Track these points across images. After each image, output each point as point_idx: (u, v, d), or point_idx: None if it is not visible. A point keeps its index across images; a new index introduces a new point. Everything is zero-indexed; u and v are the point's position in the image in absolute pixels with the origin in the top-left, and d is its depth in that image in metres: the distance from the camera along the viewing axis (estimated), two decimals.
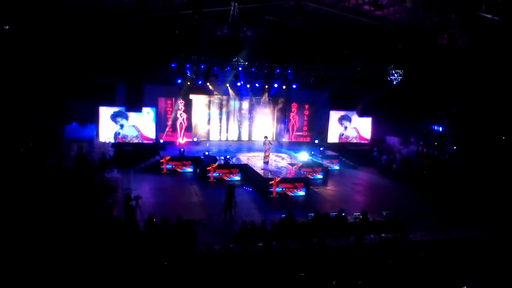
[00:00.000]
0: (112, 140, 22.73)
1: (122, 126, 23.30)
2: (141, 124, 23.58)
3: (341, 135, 27.77)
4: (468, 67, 23.36)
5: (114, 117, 23.16)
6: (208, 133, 27.16)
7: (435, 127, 25.27)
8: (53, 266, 9.36)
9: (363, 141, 27.97)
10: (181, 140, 25.26)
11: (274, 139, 27.48)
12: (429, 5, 18.32)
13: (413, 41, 23.09)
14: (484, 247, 12.97)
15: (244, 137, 27.98)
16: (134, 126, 23.48)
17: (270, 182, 18.94)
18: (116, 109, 23.07)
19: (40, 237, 10.22)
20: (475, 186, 18.39)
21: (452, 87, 25.13)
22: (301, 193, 19.31)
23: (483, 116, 23.36)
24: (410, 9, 18.93)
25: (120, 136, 23.34)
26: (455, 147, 22.72)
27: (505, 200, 16.59)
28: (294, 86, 25.07)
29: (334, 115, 27.43)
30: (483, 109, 23.72)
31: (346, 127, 27.78)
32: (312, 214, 14.03)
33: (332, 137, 27.48)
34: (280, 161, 22.69)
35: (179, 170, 22.13)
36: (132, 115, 23.31)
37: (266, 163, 21.57)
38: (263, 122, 28.03)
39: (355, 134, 27.84)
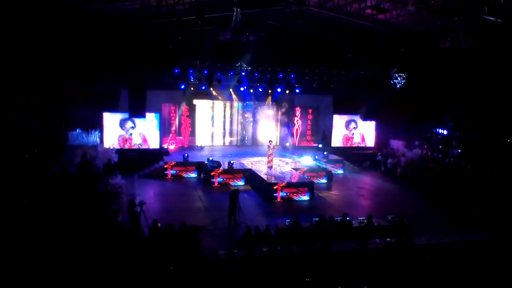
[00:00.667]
0: (117, 146, 22.78)
1: (132, 128, 23.34)
2: (145, 130, 23.63)
3: (346, 136, 27.56)
4: (471, 70, 23.30)
5: (122, 122, 23.26)
6: (212, 138, 27.18)
7: (439, 130, 25.14)
8: (58, 272, 9.36)
9: (366, 145, 27.87)
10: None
11: (277, 143, 27.46)
12: (432, 9, 18.32)
13: (416, 44, 23.08)
14: (490, 251, 12.88)
15: (248, 142, 27.97)
16: (139, 132, 23.54)
17: (275, 187, 18.91)
18: (120, 115, 23.15)
19: (44, 244, 10.22)
20: (480, 189, 18.28)
21: (455, 90, 25.05)
22: (306, 197, 19.26)
23: (488, 119, 23.25)
24: (412, 13, 18.92)
25: (129, 136, 23.32)
26: (459, 150, 22.60)
27: (511, 203, 16.48)
28: (297, 91, 25.05)
29: (338, 119, 27.38)
30: (487, 111, 23.62)
31: (354, 128, 27.58)
32: (317, 218, 14.00)
33: (336, 141, 27.42)
34: (284, 166, 22.65)
35: (183, 175, 22.16)
36: (137, 121, 23.38)
37: (270, 167, 21.55)
38: (267, 127, 28.02)
39: (358, 139, 27.75)
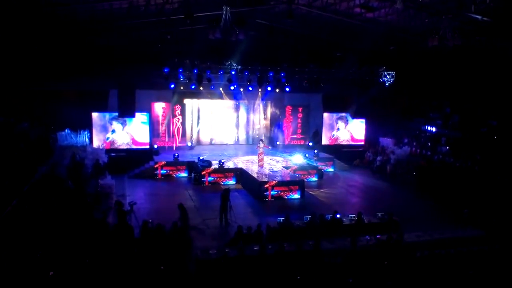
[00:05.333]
0: (106, 146, 22.62)
1: (113, 131, 23.15)
2: (134, 130, 23.48)
3: (332, 136, 27.67)
4: (459, 68, 23.51)
5: (110, 122, 23.10)
6: (202, 137, 27.10)
7: (428, 128, 25.38)
8: (48, 274, 9.28)
9: (355, 143, 27.99)
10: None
11: (268, 142, 27.46)
12: (420, 7, 18.47)
13: (405, 42, 23.24)
14: (479, 247, 13.02)
15: (238, 141, 27.92)
16: (127, 132, 23.38)
17: (265, 186, 18.93)
18: (110, 115, 22.97)
19: (34, 248, 10.12)
20: (469, 186, 18.48)
21: (444, 88, 25.27)
22: (297, 196, 19.32)
23: (475, 116, 23.49)
24: (400, 11, 19.06)
25: (109, 141, 23.10)
26: (448, 147, 22.82)
27: (499, 199, 16.68)
28: (287, 89, 25.04)
29: (328, 117, 27.47)
30: (475, 109, 23.86)
31: (339, 128, 27.71)
32: (308, 216, 14.05)
33: (326, 139, 27.51)
34: (275, 164, 22.68)
35: (173, 175, 22.09)
36: (126, 121, 23.22)
37: (261, 166, 21.56)
38: (257, 126, 28.03)
39: (348, 137, 27.87)
